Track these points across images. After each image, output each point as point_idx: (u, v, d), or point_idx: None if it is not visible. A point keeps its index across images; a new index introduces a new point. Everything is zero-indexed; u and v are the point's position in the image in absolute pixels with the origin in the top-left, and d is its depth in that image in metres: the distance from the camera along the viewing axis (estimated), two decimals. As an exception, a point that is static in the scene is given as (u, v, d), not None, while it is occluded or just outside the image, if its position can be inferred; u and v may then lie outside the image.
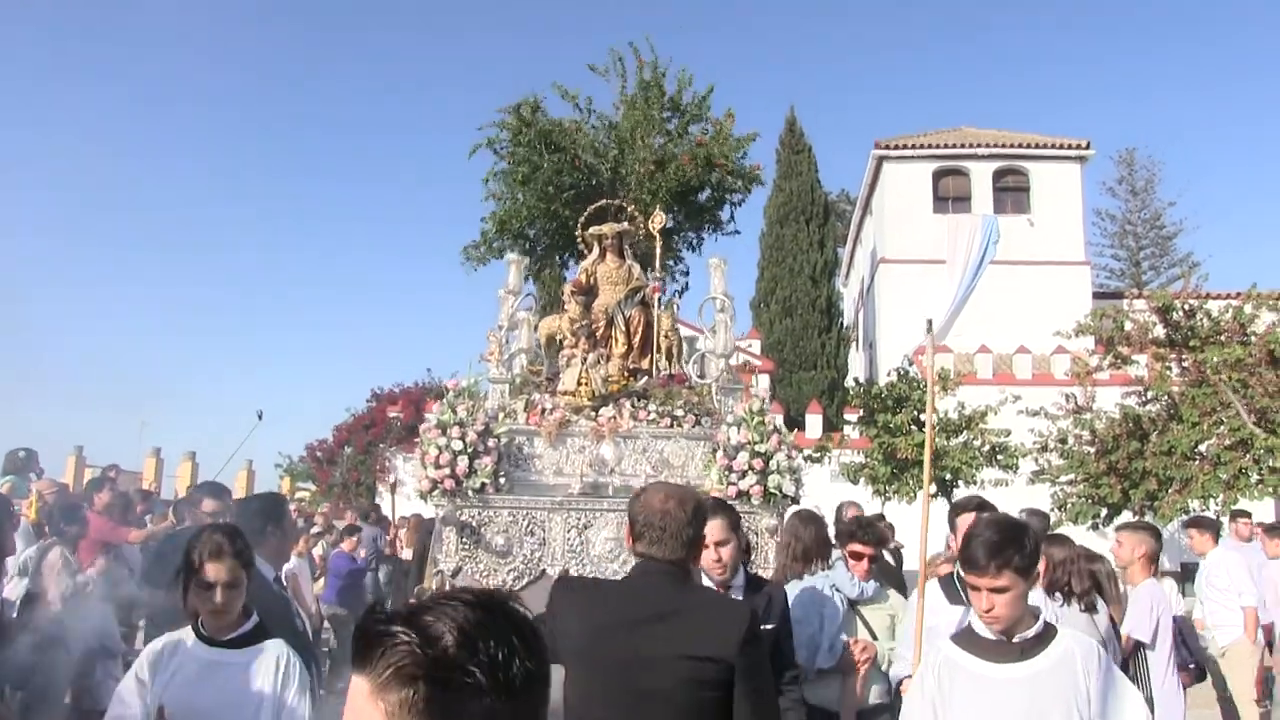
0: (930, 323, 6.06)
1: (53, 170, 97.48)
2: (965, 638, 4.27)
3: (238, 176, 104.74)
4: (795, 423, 29.57)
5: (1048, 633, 4.13)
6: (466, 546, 8.67)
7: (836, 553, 7.50)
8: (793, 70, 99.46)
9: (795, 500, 8.84)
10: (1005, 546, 4.06)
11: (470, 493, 8.63)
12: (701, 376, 9.83)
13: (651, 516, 3.97)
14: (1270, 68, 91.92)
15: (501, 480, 8.79)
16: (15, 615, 9.32)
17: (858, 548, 7.01)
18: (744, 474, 8.59)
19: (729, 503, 5.61)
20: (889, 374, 24.27)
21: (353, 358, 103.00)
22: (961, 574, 4.59)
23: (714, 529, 4.87)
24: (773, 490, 8.55)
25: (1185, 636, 8.82)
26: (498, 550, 8.66)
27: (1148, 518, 18.67)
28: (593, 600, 4.10)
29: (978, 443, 21.45)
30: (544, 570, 8.62)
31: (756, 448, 8.61)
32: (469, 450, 8.61)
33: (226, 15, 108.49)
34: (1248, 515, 13.57)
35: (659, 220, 10.60)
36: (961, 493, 18.70)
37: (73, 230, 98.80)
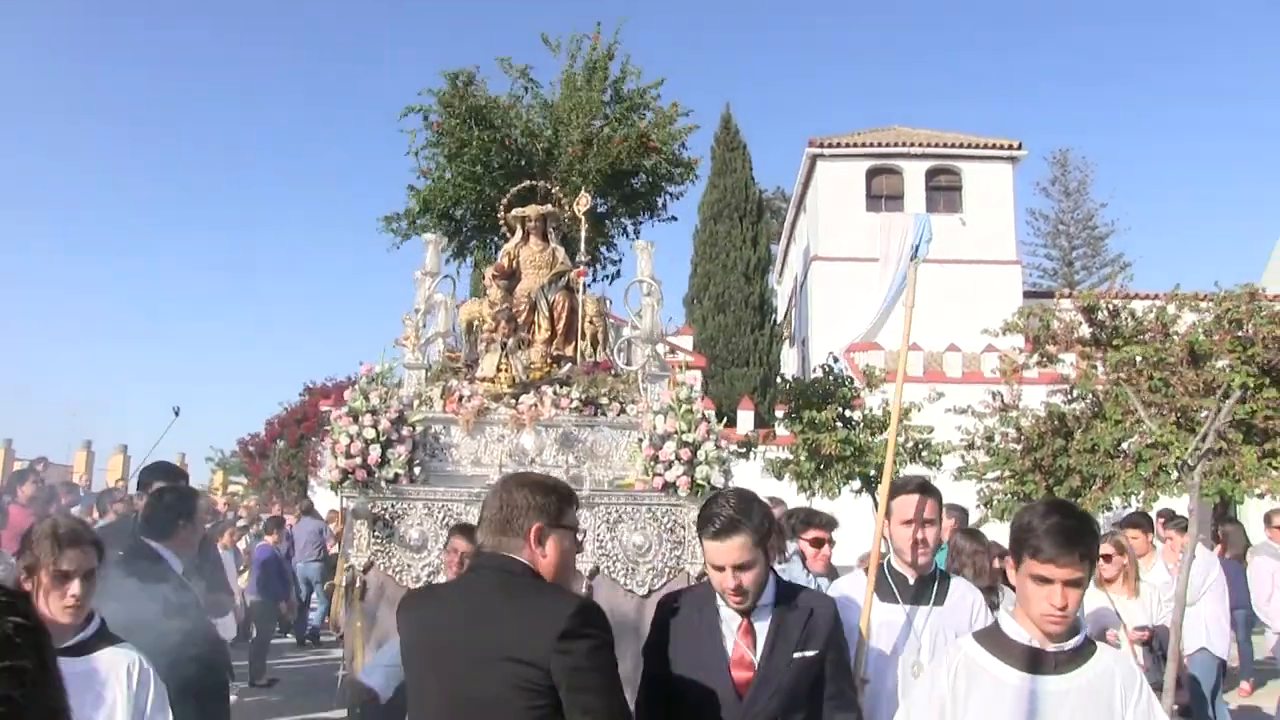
0: (915, 253, 5.38)
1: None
2: (991, 639, 3.70)
3: (170, 162, 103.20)
4: (727, 419, 29.29)
5: (1087, 648, 3.61)
6: (379, 540, 8.18)
7: (792, 545, 7.07)
8: (729, 67, 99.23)
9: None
10: (1084, 532, 3.53)
11: (383, 484, 8.16)
12: (628, 364, 9.35)
13: (490, 502, 3.53)
14: (1197, 70, 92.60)
15: (416, 471, 8.32)
16: None
17: (818, 534, 6.54)
18: (670, 464, 8.13)
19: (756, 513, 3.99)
20: (814, 370, 24.03)
21: (286, 351, 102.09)
22: (1014, 566, 3.75)
23: (732, 550, 3.86)
24: (700, 482, 8.09)
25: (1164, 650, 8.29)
26: (412, 545, 8.17)
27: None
28: (424, 602, 3.69)
29: (901, 439, 21.18)
30: (461, 565, 8.11)
31: (684, 437, 8.16)
32: (381, 439, 8.13)
33: None
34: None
35: (584, 202, 10.15)
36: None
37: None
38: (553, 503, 3.51)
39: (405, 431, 8.27)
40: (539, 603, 3.33)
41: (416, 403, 8.64)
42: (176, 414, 18.76)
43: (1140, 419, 16.38)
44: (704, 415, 8.37)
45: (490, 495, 3.56)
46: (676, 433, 8.18)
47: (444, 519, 8.18)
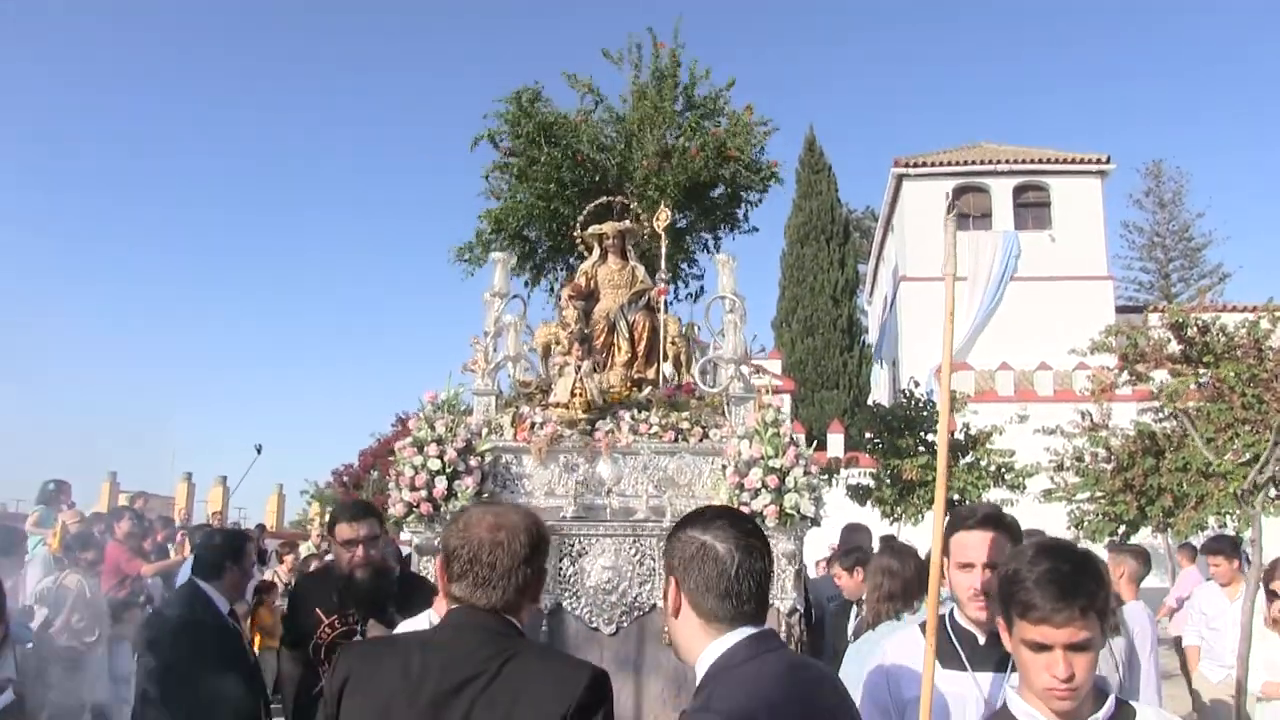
0: (951, 198, 4.25)
1: (80, 189, 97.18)
2: None
3: (263, 194, 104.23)
4: (817, 442, 28.66)
5: (1124, 712, 2.72)
6: (447, 578, 7.50)
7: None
8: (812, 89, 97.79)
9: (815, 522, 7.68)
10: (1084, 579, 2.66)
11: (449, 518, 7.48)
12: (712, 386, 8.63)
13: (477, 549, 2.90)
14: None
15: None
16: (31, 642, 8.97)
17: None
18: (757, 493, 7.41)
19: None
20: (898, 395, 23.52)
21: (381, 381, 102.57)
22: (999, 625, 2.94)
23: None
24: (790, 511, 7.36)
25: None
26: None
27: (1166, 534, 18.06)
28: (384, 663, 2.94)
29: (984, 463, 20.57)
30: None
31: (770, 463, 7.42)
32: (447, 470, 7.52)
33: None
34: None
35: (664, 217, 9.55)
36: None
37: (106, 253, 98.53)
38: (546, 546, 3.07)
39: (473, 462, 7.66)
40: (547, 671, 2.82)
41: (485, 431, 8.01)
42: (259, 451, 19.00)
43: (1236, 434, 15.59)
44: (792, 439, 7.66)
45: (468, 537, 2.95)
46: (763, 458, 7.48)
47: (515, 554, 7.53)
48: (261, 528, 22.92)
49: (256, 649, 12.44)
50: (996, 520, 3.76)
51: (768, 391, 8.27)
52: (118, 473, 32.80)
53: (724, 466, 7.80)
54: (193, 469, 35.61)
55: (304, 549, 16.98)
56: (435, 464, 7.48)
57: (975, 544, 3.68)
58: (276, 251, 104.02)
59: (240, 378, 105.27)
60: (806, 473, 7.51)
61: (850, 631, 7.04)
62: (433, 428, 7.65)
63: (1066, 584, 2.62)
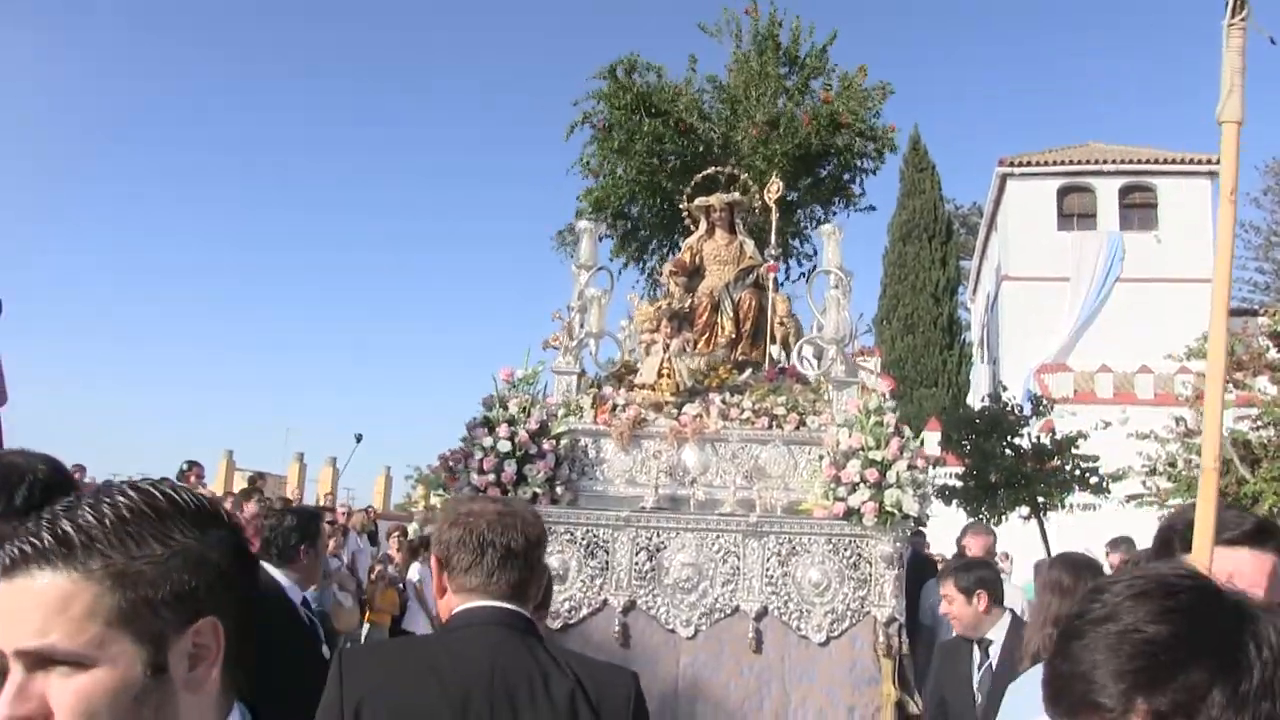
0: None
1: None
2: None
3: (366, 179, 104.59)
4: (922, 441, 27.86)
5: None
6: (516, 568, 6.65)
7: None
8: (919, 87, 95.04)
9: (920, 521, 6.74)
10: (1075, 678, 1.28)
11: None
12: (814, 369, 7.70)
13: (478, 540, 2.49)
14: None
15: (559, 490, 6.84)
16: None
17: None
18: (855, 487, 6.46)
19: None
20: (983, 400, 22.56)
21: (489, 360, 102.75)
22: None
23: None
24: (890, 508, 6.40)
25: None
26: (551, 574, 6.62)
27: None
28: (403, 676, 2.45)
29: (1068, 466, 19.51)
30: (605, 600, 6.64)
31: (871, 455, 6.47)
32: (519, 453, 6.66)
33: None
34: None
35: (775, 189, 8.76)
36: (1060, 520, 18.44)
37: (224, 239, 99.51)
38: (541, 541, 2.66)
39: (547, 445, 6.83)
40: (600, 670, 2.57)
41: (562, 412, 7.14)
42: (359, 440, 18.76)
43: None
44: (897, 429, 6.70)
45: (467, 528, 2.51)
46: (863, 449, 6.54)
47: (588, 546, 6.68)
48: (369, 510, 22.46)
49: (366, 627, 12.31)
50: (1268, 531, 2.44)
51: (873, 374, 7.33)
52: (234, 450, 32.52)
53: (821, 457, 6.88)
54: (304, 449, 35.32)
55: (411, 530, 16.45)
56: (505, 446, 6.66)
57: (1246, 567, 2.32)
58: (389, 230, 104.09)
59: (351, 360, 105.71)
60: (911, 467, 6.56)
61: (975, 681, 5.17)
62: (505, 407, 6.82)
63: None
